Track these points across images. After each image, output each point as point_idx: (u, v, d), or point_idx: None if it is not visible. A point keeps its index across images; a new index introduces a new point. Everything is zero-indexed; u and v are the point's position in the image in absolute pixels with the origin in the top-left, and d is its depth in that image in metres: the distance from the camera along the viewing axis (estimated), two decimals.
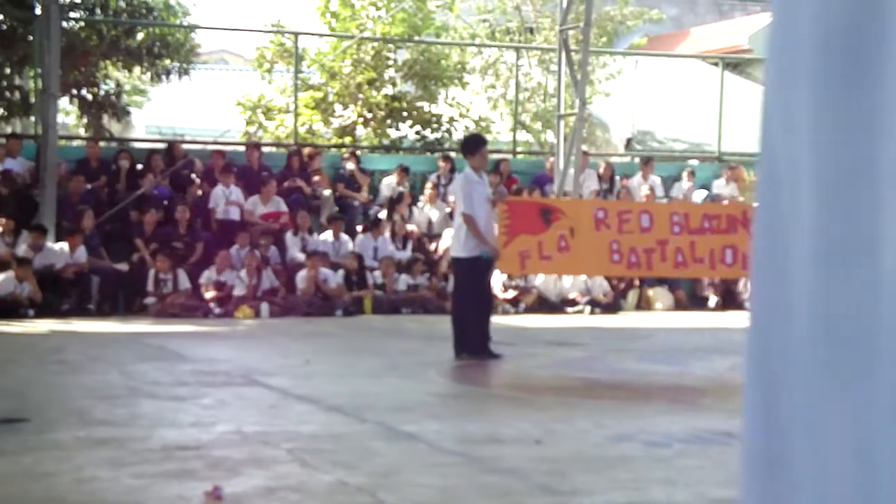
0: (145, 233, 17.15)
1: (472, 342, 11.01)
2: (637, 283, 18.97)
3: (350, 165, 19.64)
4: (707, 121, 24.42)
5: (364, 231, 18.53)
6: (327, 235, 18.05)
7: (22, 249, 15.86)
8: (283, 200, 18.37)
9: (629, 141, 26.19)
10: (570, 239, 11.43)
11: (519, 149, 25.10)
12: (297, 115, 23.00)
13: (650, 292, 19.26)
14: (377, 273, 17.58)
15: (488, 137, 18.84)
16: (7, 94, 21.29)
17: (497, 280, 16.64)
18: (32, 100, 19.95)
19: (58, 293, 15.76)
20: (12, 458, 6.17)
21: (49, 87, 16.96)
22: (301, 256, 17.49)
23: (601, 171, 20.89)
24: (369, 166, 20.29)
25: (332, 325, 15.10)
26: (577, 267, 13.18)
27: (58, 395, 8.45)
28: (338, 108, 25.59)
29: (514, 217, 11.32)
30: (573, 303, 18.15)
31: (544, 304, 17.99)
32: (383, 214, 18.85)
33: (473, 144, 11.49)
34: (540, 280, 18.04)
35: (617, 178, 20.93)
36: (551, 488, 5.59)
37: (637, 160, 23.67)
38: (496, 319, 14.32)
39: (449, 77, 26.17)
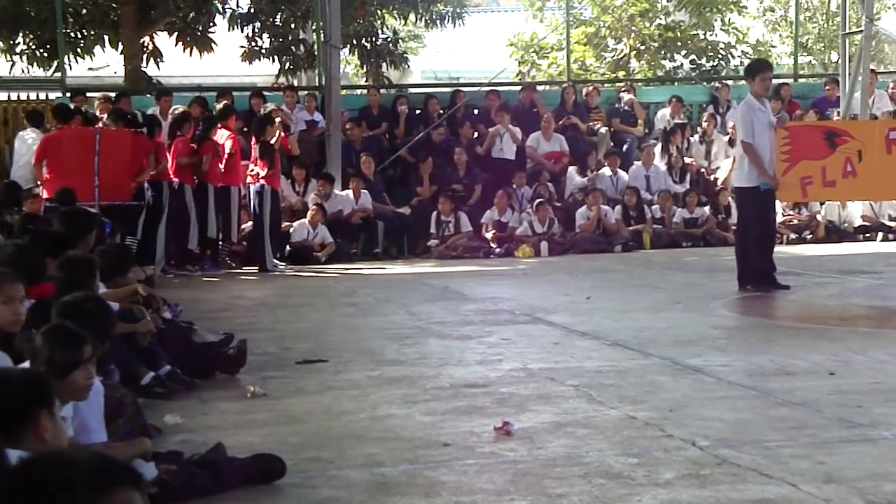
0: (425, 177, 17.52)
1: (757, 273, 10.74)
2: None
3: (627, 97, 19.36)
4: None
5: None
6: (605, 171, 17.92)
7: (311, 198, 16.54)
8: (563, 139, 18.33)
9: None
10: (856, 163, 10.92)
11: (801, 72, 24.16)
12: (569, 51, 22.90)
13: None
14: (655, 207, 17.35)
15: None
16: (292, 48, 22.20)
17: (781, 208, 16.12)
18: (316, 52, 20.67)
19: (346, 238, 16.39)
20: (313, 397, 6.49)
21: (331, 38, 17.50)
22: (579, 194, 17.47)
23: (891, 90, 19.74)
24: (644, 99, 19.97)
25: (611, 261, 15.04)
26: (864, 192, 12.54)
27: (351, 337, 8.81)
28: (610, 42, 25.36)
29: (795, 143, 10.89)
30: (864, 230, 17.38)
31: (832, 233, 17.30)
32: (657, 149, 18.49)
33: (754, 68, 11.19)
34: (824, 207, 17.34)
35: None
36: (848, 421, 5.41)
37: None
38: (782, 249, 13.92)
39: (725, 2, 25.44)
